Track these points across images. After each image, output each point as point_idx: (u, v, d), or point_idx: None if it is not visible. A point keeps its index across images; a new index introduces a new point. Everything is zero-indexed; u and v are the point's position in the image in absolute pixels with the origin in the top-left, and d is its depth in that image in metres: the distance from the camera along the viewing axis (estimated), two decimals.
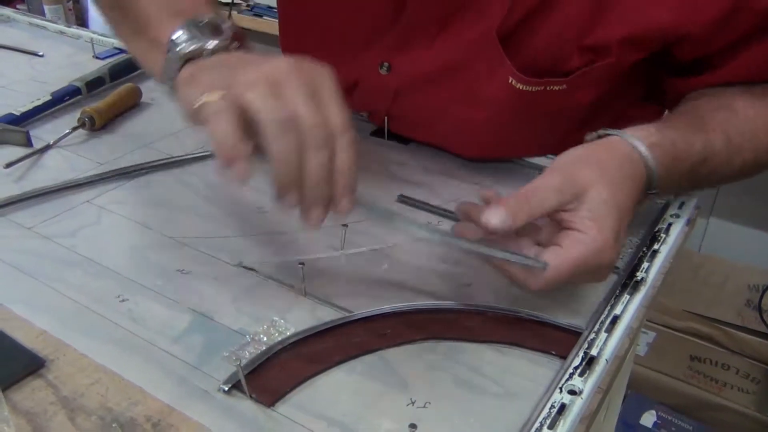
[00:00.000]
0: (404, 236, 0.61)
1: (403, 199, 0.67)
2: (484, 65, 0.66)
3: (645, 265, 0.56)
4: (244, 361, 0.46)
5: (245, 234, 0.61)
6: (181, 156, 0.73)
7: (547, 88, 0.66)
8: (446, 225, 0.64)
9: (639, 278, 0.54)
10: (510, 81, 0.65)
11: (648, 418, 1.44)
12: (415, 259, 0.59)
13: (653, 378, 1.49)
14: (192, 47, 0.51)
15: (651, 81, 0.74)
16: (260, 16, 1.93)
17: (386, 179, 0.71)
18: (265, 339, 0.49)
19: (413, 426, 0.39)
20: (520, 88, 0.65)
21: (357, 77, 0.76)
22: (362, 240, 0.60)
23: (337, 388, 0.45)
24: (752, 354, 1.51)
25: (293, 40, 0.81)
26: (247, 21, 1.91)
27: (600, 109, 0.70)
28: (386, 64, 0.72)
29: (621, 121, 0.61)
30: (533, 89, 0.65)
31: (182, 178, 0.70)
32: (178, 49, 0.51)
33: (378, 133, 0.80)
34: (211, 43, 0.51)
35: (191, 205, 0.65)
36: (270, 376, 0.46)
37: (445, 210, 0.66)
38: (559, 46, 0.64)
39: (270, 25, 1.86)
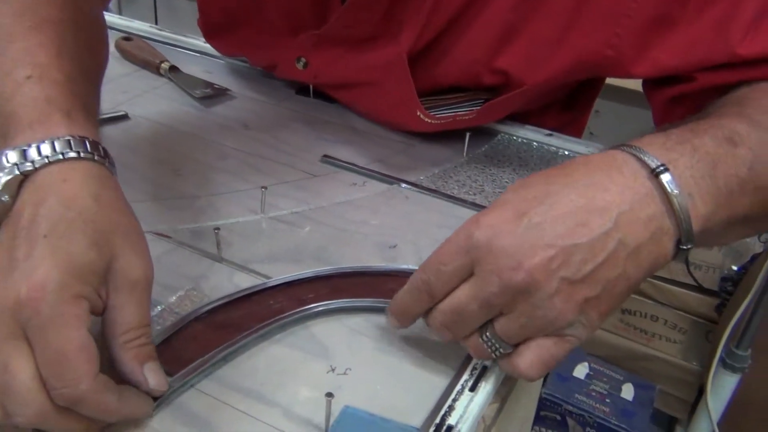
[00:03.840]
0: (327, 198, 0.59)
1: (328, 160, 0.65)
2: (396, 91, 0.65)
3: None
4: (154, 333, 0.44)
5: (158, 198, 0.58)
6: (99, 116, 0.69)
7: (457, 119, 0.66)
8: (372, 186, 0.62)
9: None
10: (418, 114, 0.64)
11: (581, 370, 1.48)
12: (339, 221, 0.57)
13: None
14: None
15: (571, 91, 0.74)
16: None
17: (310, 139, 0.69)
18: (178, 309, 0.46)
19: (330, 395, 0.38)
20: (429, 122, 0.64)
21: (276, 62, 0.74)
22: (283, 202, 0.58)
23: (254, 358, 0.43)
24: (679, 305, 1.57)
25: (216, 9, 0.76)
26: None
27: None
28: (303, 59, 0.70)
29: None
30: (441, 122, 0.65)
31: None
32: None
33: (303, 91, 0.77)
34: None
35: None
36: (182, 347, 0.43)
37: (370, 170, 0.64)
38: (469, 66, 0.63)
39: None
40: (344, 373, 0.43)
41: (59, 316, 0.34)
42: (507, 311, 0.38)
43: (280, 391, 0.41)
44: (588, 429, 1.41)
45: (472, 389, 0.40)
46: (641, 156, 0.40)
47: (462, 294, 0.39)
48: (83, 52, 0.46)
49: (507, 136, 0.71)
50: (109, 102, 0.72)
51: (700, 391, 1.41)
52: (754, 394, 1.30)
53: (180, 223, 0.55)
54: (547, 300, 0.37)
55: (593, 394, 1.42)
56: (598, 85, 0.78)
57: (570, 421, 1.41)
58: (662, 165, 0.39)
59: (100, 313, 0.37)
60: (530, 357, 0.39)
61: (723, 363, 1.17)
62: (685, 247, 0.40)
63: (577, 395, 1.41)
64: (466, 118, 0.66)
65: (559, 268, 0.37)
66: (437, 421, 0.38)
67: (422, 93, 0.64)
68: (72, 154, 0.39)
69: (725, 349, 1.17)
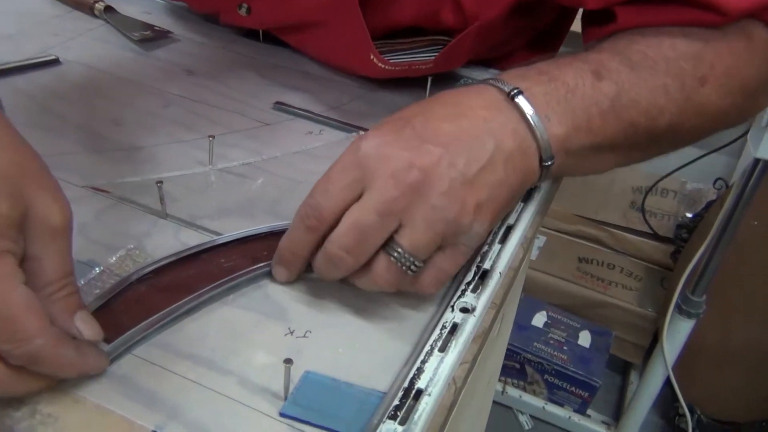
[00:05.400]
0: (281, 148, 0.55)
1: (280, 107, 0.61)
2: (347, 32, 0.60)
3: None
4: (92, 297, 0.40)
5: (95, 150, 0.53)
6: (19, 62, 0.62)
7: (413, 67, 0.61)
8: (329, 134, 0.58)
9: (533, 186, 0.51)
10: (372, 59, 0.59)
11: (539, 319, 1.49)
12: (294, 172, 0.53)
13: (543, 280, 1.53)
14: None
15: (534, 37, 0.71)
16: None
17: (261, 85, 0.64)
18: (118, 271, 0.42)
19: (288, 361, 0.34)
20: (384, 67, 0.60)
21: (218, 10, 0.68)
22: (233, 153, 0.54)
23: (204, 322, 0.40)
24: (635, 253, 1.58)
25: None
26: None
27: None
28: (245, 6, 0.65)
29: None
30: (397, 68, 0.61)
31: (19, 87, 0.60)
32: None
33: (252, 34, 0.72)
34: None
35: (30, 117, 0.56)
36: (123, 311, 0.39)
37: (327, 117, 0.60)
38: (426, 3, 0.59)
39: None
40: (304, 336, 0.39)
41: None
42: (407, 221, 0.38)
43: (233, 358, 0.38)
44: (546, 376, 1.43)
45: (442, 350, 0.37)
46: (497, 84, 0.43)
47: (359, 207, 0.39)
48: None
49: (470, 80, 0.67)
50: (38, 45, 0.66)
51: (655, 337, 1.44)
52: (707, 338, 1.32)
53: (119, 176, 0.50)
54: (443, 198, 0.38)
55: (551, 342, 1.43)
56: (562, 32, 0.75)
57: (529, 369, 1.43)
58: (516, 89, 0.42)
59: (23, 262, 0.34)
60: (431, 273, 0.40)
61: (678, 309, 1.18)
62: (547, 164, 0.43)
63: (535, 344, 1.42)
64: (424, 67, 0.62)
65: (448, 168, 0.39)
66: (405, 385, 0.35)
67: (377, 35, 0.60)
68: None
69: (681, 296, 1.18)
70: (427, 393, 0.34)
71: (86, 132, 0.55)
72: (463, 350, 0.38)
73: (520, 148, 0.42)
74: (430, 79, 0.63)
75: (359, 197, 0.39)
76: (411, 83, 0.64)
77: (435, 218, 0.38)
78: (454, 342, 0.38)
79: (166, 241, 0.45)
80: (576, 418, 1.41)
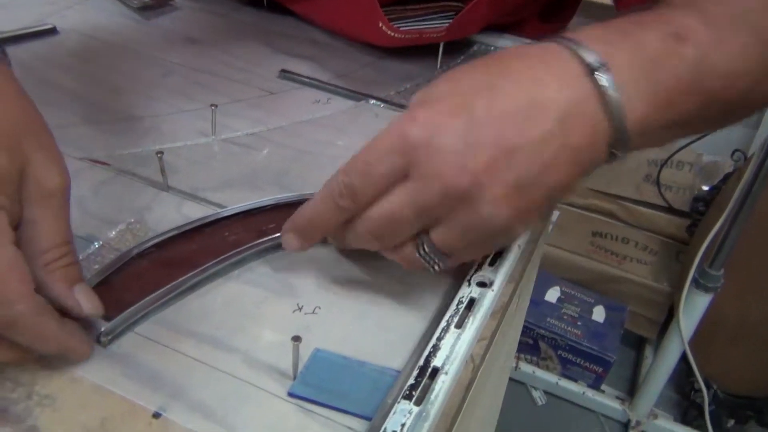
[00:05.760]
0: (287, 117, 0.52)
1: (286, 75, 0.58)
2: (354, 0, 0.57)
3: None
4: (92, 272, 0.38)
5: (94, 121, 0.51)
6: (15, 31, 0.60)
7: (424, 35, 0.58)
8: (336, 103, 0.55)
9: None
10: (381, 26, 0.56)
11: (552, 294, 1.47)
12: (301, 142, 0.50)
13: (556, 255, 1.51)
14: None
15: (549, 3, 0.67)
16: None
17: (266, 53, 0.62)
18: (118, 245, 0.40)
19: (297, 338, 0.32)
20: (393, 36, 0.57)
21: None
22: (237, 123, 0.51)
23: (208, 298, 0.38)
24: (650, 227, 1.55)
25: None
26: None
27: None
28: None
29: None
30: (407, 36, 0.58)
31: (15, 57, 0.57)
32: None
33: (255, 1, 0.69)
34: None
35: (27, 88, 0.53)
36: (123, 287, 0.37)
37: (334, 85, 0.57)
38: None
39: None
40: (313, 313, 0.37)
41: None
42: (446, 221, 0.34)
43: (239, 335, 0.36)
44: (560, 352, 1.41)
45: (459, 326, 0.35)
46: (578, 51, 0.35)
47: (396, 199, 0.34)
48: None
49: (484, 46, 0.65)
50: (34, 14, 0.63)
51: (670, 312, 1.41)
52: (724, 313, 1.30)
53: (119, 148, 0.48)
54: (492, 206, 0.33)
55: (565, 317, 1.41)
56: (575, 1, 0.72)
57: (542, 345, 1.41)
58: (601, 62, 0.35)
59: (18, 226, 0.32)
60: (452, 261, 0.37)
61: (695, 283, 1.16)
62: (616, 152, 0.36)
63: (549, 319, 1.40)
64: (434, 35, 0.59)
65: (504, 170, 0.33)
66: (421, 363, 0.33)
67: (386, 2, 0.57)
68: None
69: (698, 269, 1.15)
70: (443, 371, 0.32)
71: (84, 103, 0.53)
72: (481, 326, 0.36)
73: (592, 139, 0.35)
74: (441, 46, 0.60)
75: (402, 180, 0.35)
76: (421, 48, 0.62)
77: (478, 227, 0.34)
78: (471, 318, 0.35)
79: (168, 215, 0.43)
80: (590, 393, 1.40)
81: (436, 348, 0.34)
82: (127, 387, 0.33)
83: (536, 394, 1.45)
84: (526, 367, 1.44)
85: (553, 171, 0.34)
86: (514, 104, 0.34)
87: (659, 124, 0.37)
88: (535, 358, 1.45)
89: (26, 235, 0.32)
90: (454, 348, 0.34)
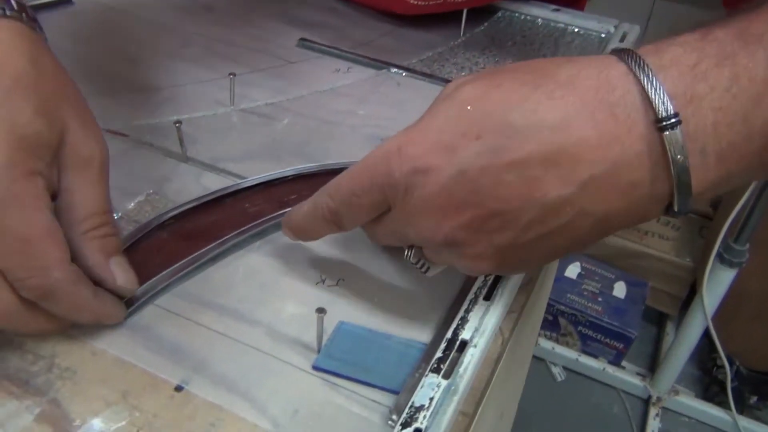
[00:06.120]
0: (307, 86, 0.51)
1: (306, 44, 0.57)
2: None
3: None
4: None
5: (111, 92, 0.50)
6: (31, 1, 0.59)
7: (448, 2, 0.57)
8: (357, 71, 0.54)
9: None
10: None
11: (573, 270, 1.45)
12: (322, 112, 0.49)
13: None
14: None
15: None
16: None
17: (284, 22, 0.60)
18: (137, 217, 0.40)
19: (321, 310, 0.32)
20: (415, 3, 0.56)
21: None
22: (256, 92, 0.50)
23: (230, 270, 0.37)
24: None
25: None
26: None
27: None
28: None
29: None
30: (430, 3, 0.56)
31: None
32: None
33: None
34: None
35: None
36: (143, 260, 0.37)
37: (355, 53, 0.56)
38: None
39: None
40: (336, 285, 0.37)
41: (14, 197, 0.28)
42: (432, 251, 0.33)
43: (261, 308, 0.35)
44: (580, 328, 1.39)
45: (487, 298, 0.34)
46: (651, 92, 0.27)
47: (378, 227, 0.34)
48: None
49: (509, 13, 0.63)
50: None
51: (692, 288, 1.40)
52: (747, 288, 1.28)
53: (137, 118, 0.47)
54: (470, 261, 0.31)
55: (585, 293, 1.40)
56: None
57: (562, 321, 1.40)
58: (675, 116, 0.27)
59: (56, 197, 0.31)
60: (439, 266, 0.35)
61: (720, 258, 1.13)
62: (670, 212, 0.29)
63: (569, 295, 1.39)
64: (458, 1, 0.57)
65: (492, 231, 0.29)
66: (449, 335, 0.32)
67: None
68: None
69: (722, 244, 1.13)
70: (472, 344, 0.31)
71: (101, 74, 0.52)
72: (510, 299, 0.35)
73: (632, 205, 0.29)
74: (465, 12, 0.59)
75: (386, 210, 0.33)
76: (443, 15, 0.60)
77: (461, 267, 0.32)
78: (500, 290, 0.34)
79: (188, 186, 0.42)
80: (610, 369, 1.39)
81: (464, 320, 0.33)
82: (149, 360, 0.32)
83: (556, 370, 1.44)
84: (546, 343, 1.43)
85: (557, 236, 0.29)
86: (526, 152, 0.28)
87: (746, 174, 0.29)
88: (554, 335, 1.44)
89: (64, 203, 0.31)
90: (483, 320, 0.33)
